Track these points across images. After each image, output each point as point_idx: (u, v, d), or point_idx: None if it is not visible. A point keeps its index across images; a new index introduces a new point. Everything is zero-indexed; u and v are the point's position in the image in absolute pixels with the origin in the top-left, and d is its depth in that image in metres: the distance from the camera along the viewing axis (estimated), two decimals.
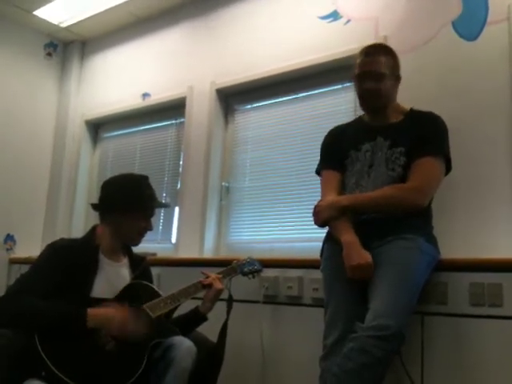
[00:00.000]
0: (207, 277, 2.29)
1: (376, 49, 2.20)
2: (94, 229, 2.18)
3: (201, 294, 2.26)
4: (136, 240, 2.19)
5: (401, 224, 2.02)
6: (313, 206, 2.16)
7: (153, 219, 2.22)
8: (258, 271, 2.56)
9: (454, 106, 2.41)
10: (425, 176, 2.05)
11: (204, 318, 2.24)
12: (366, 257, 1.96)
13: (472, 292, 2.07)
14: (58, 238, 2.15)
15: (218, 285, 2.27)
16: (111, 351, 1.88)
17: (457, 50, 2.49)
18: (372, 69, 2.14)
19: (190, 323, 2.23)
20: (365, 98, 2.20)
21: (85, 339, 1.84)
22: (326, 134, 2.39)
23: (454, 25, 2.52)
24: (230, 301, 2.40)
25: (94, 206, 2.21)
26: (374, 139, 2.17)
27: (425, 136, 2.08)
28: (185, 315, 2.25)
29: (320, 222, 2.12)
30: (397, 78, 2.21)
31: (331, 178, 2.25)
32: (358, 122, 2.33)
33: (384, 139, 2.14)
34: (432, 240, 2.08)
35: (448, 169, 2.13)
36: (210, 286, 2.26)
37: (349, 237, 2.02)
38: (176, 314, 2.24)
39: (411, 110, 2.22)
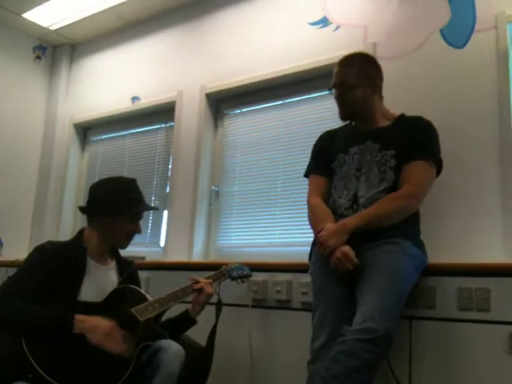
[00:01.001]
0: (197, 282, 2.29)
1: (350, 59, 2.26)
2: (81, 232, 2.17)
3: (189, 298, 2.26)
4: (124, 243, 2.18)
5: (388, 228, 2.03)
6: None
7: (141, 223, 2.21)
8: (247, 276, 2.56)
9: (443, 112, 2.44)
10: (418, 181, 2.07)
11: (193, 322, 2.24)
12: (347, 247, 1.99)
13: (460, 296, 2.09)
14: (45, 240, 2.13)
15: (209, 289, 2.28)
16: (98, 354, 1.87)
17: (445, 57, 2.52)
18: (341, 80, 2.22)
19: (179, 326, 2.23)
20: (338, 107, 2.27)
21: (72, 342, 1.83)
22: (315, 139, 2.42)
23: (443, 32, 2.56)
24: (219, 305, 2.40)
25: (82, 209, 2.20)
26: (364, 142, 2.19)
27: (416, 139, 2.11)
28: (174, 318, 2.25)
29: (328, 251, 2.02)
30: (374, 86, 2.23)
31: (317, 182, 2.28)
32: (348, 126, 2.36)
33: (374, 142, 2.17)
34: (419, 244, 2.10)
35: (438, 171, 2.16)
36: (200, 290, 2.26)
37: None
38: (165, 318, 2.23)
39: (401, 115, 2.25)
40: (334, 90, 2.26)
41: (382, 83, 2.28)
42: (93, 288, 2.04)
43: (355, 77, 2.19)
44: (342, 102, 2.24)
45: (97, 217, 2.14)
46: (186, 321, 2.24)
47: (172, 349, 1.97)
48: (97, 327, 1.89)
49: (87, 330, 1.86)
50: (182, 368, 1.96)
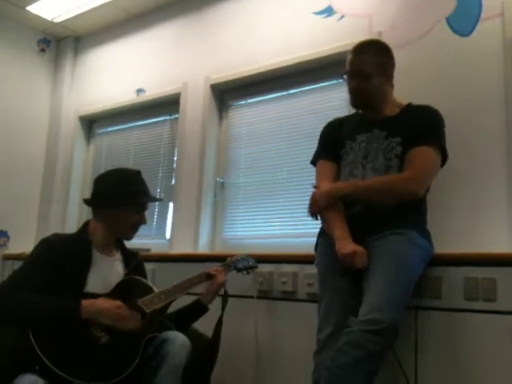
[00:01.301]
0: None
1: (366, 47, 2.23)
2: (86, 224, 2.18)
3: (196, 290, 2.27)
4: (129, 234, 2.19)
5: (394, 218, 2.02)
6: (307, 202, 2.17)
7: (147, 215, 2.22)
8: (253, 267, 2.56)
9: (449, 101, 2.41)
10: (421, 165, 2.06)
11: (206, 309, 2.27)
12: (358, 246, 1.97)
13: (466, 286, 2.08)
14: (51, 233, 2.14)
15: (221, 277, 2.33)
16: (105, 345, 1.88)
17: (451, 45, 2.50)
18: (358, 68, 2.18)
19: (192, 314, 2.26)
20: (352, 95, 2.24)
21: (79, 333, 1.84)
22: (320, 129, 2.40)
23: (448, 20, 2.53)
24: (225, 296, 2.41)
25: (87, 201, 2.21)
26: (371, 131, 2.18)
27: (421, 126, 2.10)
28: (187, 306, 2.28)
29: (317, 210, 2.12)
30: (388, 75, 2.22)
31: (326, 167, 2.26)
32: (355, 115, 2.34)
33: (380, 130, 2.15)
34: (426, 234, 2.09)
35: (444, 160, 2.14)
36: (213, 277, 2.30)
37: (341, 232, 2.04)
38: (174, 308, 2.24)
39: (409, 104, 2.24)
40: (346, 78, 2.23)
41: (394, 71, 2.26)
42: (99, 280, 2.05)
43: (371, 65, 2.16)
44: (357, 90, 2.20)
45: (102, 209, 2.14)
46: (199, 308, 2.27)
47: (178, 340, 1.98)
48: (106, 309, 1.89)
49: (96, 314, 1.87)
50: (188, 359, 1.97)
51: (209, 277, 2.32)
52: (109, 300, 1.94)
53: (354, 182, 2.12)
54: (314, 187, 2.20)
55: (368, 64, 2.16)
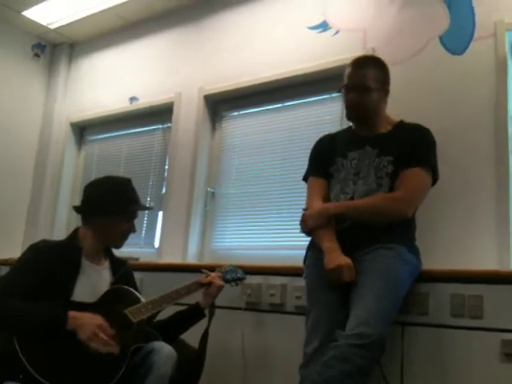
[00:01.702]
0: (207, 276, 2.34)
1: (366, 61, 2.23)
2: (76, 231, 2.17)
3: (183, 300, 2.25)
4: (119, 242, 2.18)
5: (384, 233, 2.02)
6: (298, 214, 2.18)
7: (136, 223, 2.21)
8: (241, 279, 2.55)
9: (441, 118, 2.44)
10: (412, 186, 2.07)
11: (203, 314, 2.27)
12: (346, 259, 1.97)
13: (453, 303, 2.09)
14: (39, 239, 2.12)
15: (219, 282, 2.34)
16: (91, 354, 1.86)
17: (444, 63, 2.53)
18: (358, 82, 2.17)
19: (189, 318, 2.26)
20: (349, 109, 2.23)
21: (64, 342, 1.81)
22: (312, 143, 2.41)
23: (442, 39, 2.56)
24: (213, 308, 2.39)
25: (77, 209, 2.19)
26: (363, 148, 2.18)
27: (413, 147, 2.11)
28: (184, 310, 2.28)
29: (307, 229, 2.13)
30: (386, 91, 2.23)
31: (317, 184, 2.27)
32: (347, 131, 2.35)
33: (372, 148, 2.16)
34: (414, 250, 2.10)
35: (434, 180, 2.15)
36: (209, 284, 2.30)
37: (330, 244, 2.04)
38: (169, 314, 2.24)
39: (401, 121, 2.25)
40: (344, 92, 2.22)
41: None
42: (87, 288, 2.03)
43: (372, 80, 2.16)
44: (355, 104, 2.18)
45: (92, 217, 2.13)
46: (196, 313, 2.27)
47: (164, 350, 1.96)
48: (87, 325, 1.86)
49: (78, 326, 1.84)
50: (174, 370, 1.95)
51: (202, 285, 2.30)
52: (94, 317, 1.90)
53: (345, 202, 2.12)
54: (304, 209, 2.20)
55: (368, 78, 2.16)
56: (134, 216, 2.19)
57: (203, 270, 2.39)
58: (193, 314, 2.28)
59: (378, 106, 2.21)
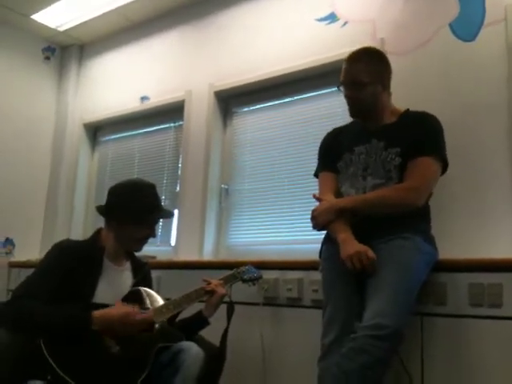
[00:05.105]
0: (209, 283, 2.30)
1: (359, 55, 2.21)
2: (98, 232, 2.19)
3: (204, 298, 2.26)
4: (137, 247, 2.20)
5: (399, 223, 2.02)
6: (311, 209, 2.17)
7: None
8: (258, 278, 2.56)
9: (452, 107, 2.42)
10: (421, 176, 2.05)
11: (207, 322, 2.24)
12: (363, 246, 1.96)
13: (471, 292, 2.07)
14: (56, 241, 2.13)
15: (221, 290, 2.29)
16: (116, 355, 1.87)
17: (454, 51, 2.50)
18: (352, 77, 2.17)
19: (193, 326, 2.24)
20: (348, 105, 2.23)
21: (90, 342, 1.84)
22: (323, 136, 2.41)
23: (452, 26, 2.53)
24: (231, 307, 2.40)
25: (100, 210, 2.20)
26: (369, 141, 2.17)
27: (421, 136, 2.09)
28: (189, 318, 2.25)
29: (318, 226, 2.12)
30: (383, 83, 2.20)
31: (328, 179, 2.27)
32: (354, 124, 2.33)
33: (378, 141, 2.15)
34: (430, 239, 2.09)
35: (444, 168, 2.14)
36: (212, 292, 2.26)
37: (345, 234, 2.03)
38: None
39: (406, 110, 2.23)
40: (342, 88, 2.22)
41: (391, 79, 2.25)
42: (108, 289, 2.05)
43: (365, 74, 2.15)
44: (352, 100, 2.19)
45: (113, 221, 2.14)
46: (200, 321, 2.24)
47: (193, 350, 1.98)
48: (113, 318, 1.88)
49: (106, 324, 1.85)
50: (201, 370, 1.96)
51: (207, 292, 2.26)
52: (118, 308, 1.92)
53: (354, 197, 2.12)
54: (317, 199, 2.18)
55: (362, 72, 2.15)
56: (155, 223, 2.20)
57: (204, 279, 2.34)
58: (196, 323, 2.25)
59: (377, 98, 2.18)
